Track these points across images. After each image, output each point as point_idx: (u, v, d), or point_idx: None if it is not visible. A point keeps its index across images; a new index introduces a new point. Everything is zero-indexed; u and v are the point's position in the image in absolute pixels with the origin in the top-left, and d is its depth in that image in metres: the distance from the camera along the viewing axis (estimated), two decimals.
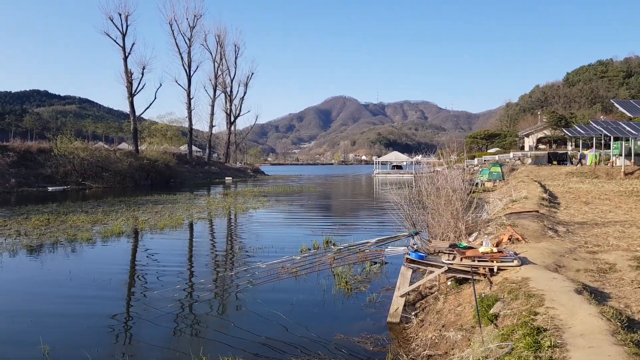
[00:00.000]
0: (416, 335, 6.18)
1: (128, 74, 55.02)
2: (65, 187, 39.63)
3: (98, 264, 11.34)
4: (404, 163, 73.58)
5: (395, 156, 79.19)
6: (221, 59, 73.85)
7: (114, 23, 54.75)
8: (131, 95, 55.20)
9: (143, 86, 58.50)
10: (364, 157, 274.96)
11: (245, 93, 79.39)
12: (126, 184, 44.32)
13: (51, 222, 17.54)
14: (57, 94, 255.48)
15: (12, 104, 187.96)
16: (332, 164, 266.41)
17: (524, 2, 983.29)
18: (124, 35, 54.76)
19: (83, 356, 5.74)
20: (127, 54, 54.71)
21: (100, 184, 42.24)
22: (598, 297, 5.23)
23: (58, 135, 47.01)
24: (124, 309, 7.92)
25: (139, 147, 57.00)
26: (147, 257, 12.26)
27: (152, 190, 38.16)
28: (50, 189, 37.55)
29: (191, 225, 17.79)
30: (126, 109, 57.92)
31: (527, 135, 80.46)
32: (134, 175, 46.22)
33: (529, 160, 54.40)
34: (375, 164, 79.81)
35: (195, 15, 65.87)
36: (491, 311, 5.32)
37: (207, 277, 9.82)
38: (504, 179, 35.37)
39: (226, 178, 60.63)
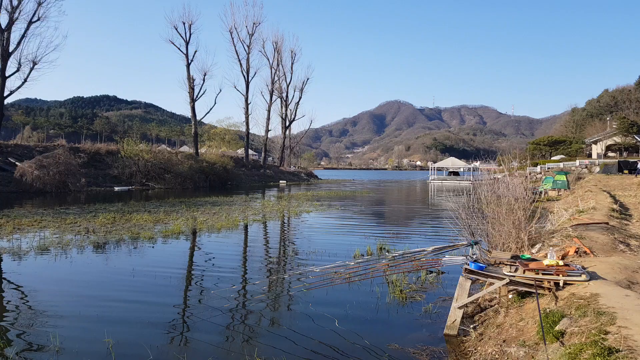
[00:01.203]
0: (475, 349, 5.95)
1: (190, 80, 57.22)
2: (130, 187, 41.75)
3: (159, 262, 11.76)
4: (461, 169, 71.71)
5: (451, 162, 77.32)
6: (278, 65, 75.46)
7: (178, 32, 57.41)
8: (193, 100, 57.32)
9: (204, 92, 60.78)
10: (418, 163, 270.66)
11: (300, 98, 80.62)
12: (186, 185, 46.02)
13: (117, 221, 18.47)
14: (124, 99, 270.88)
15: (84, 108, 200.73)
16: (385, 169, 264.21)
17: (593, 1, 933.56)
18: (187, 43, 57.16)
19: (143, 350, 5.97)
20: (189, 61, 57.03)
21: (162, 184, 44.12)
22: None
23: (125, 138, 49.67)
24: (182, 306, 8.16)
25: (199, 150, 59.05)
26: (205, 257, 12.60)
27: (210, 191, 39.35)
28: (116, 188, 39.66)
29: (246, 227, 18.15)
30: (188, 113, 60.24)
31: (595, 142, 76.12)
32: (193, 177, 47.91)
33: (597, 169, 51.45)
34: (431, 169, 78.32)
35: (254, 23, 67.78)
36: (557, 328, 5.03)
37: (262, 279, 9.95)
38: (569, 188, 33.61)
39: (280, 181, 61.58)
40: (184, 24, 56.99)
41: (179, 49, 57.22)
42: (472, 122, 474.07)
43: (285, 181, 62.25)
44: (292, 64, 78.58)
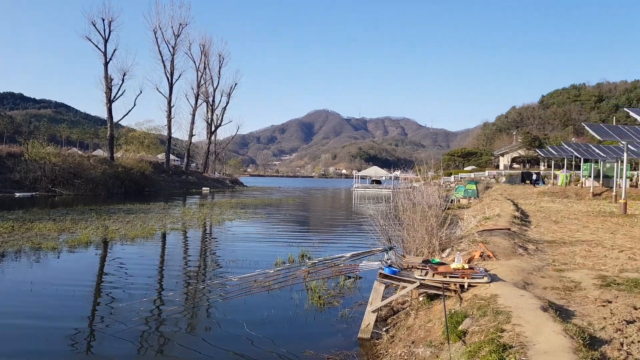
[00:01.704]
0: (386, 352, 6.18)
1: (108, 80, 54.40)
2: (34, 193, 38.56)
3: (62, 274, 10.98)
4: (383, 178, 74.15)
5: (374, 171, 79.74)
6: (205, 69, 73.68)
7: (96, 28, 54.27)
8: (110, 101, 54.46)
9: (123, 92, 57.64)
10: (344, 171, 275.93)
11: (227, 103, 79.08)
12: (99, 191, 43.43)
13: (15, 230, 16.90)
14: (32, 97, 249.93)
15: None
16: (312, 176, 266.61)
17: (502, 27, 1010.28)
18: (106, 41, 54.35)
19: None
20: (108, 60, 54.24)
21: (71, 191, 41.28)
22: (563, 314, 5.32)
23: (30, 139, 45.99)
24: (88, 322, 7.66)
25: (114, 154, 56.12)
26: (116, 268, 11.95)
27: (125, 199, 37.50)
28: (17, 194, 36.49)
29: (164, 236, 17.49)
30: (104, 115, 57.14)
31: (502, 155, 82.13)
32: (107, 183, 45.32)
33: (503, 179, 55.46)
34: (355, 178, 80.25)
35: (180, 24, 65.78)
36: (460, 327, 5.35)
37: (177, 290, 9.63)
38: (478, 196, 35.93)
39: (203, 188, 60.03)
40: (103, 20, 54.18)
41: (96, 46, 54.26)
42: (395, 133, 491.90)
43: (208, 188, 60.74)
44: (220, 68, 76.94)
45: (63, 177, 42.05)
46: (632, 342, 4.35)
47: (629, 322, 4.90)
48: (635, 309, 5.44)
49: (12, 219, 20.17)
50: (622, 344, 4.30)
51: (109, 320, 7.59)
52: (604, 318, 5.12)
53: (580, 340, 4.27)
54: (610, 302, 5.84)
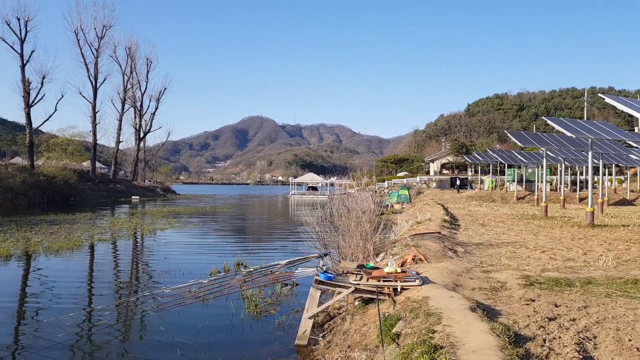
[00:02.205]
0: (323, 357, 6.20)
1: (25, 83, 51.10)
2: None
3: None
4: (320, 184, 74.83)
5: (310, 177, 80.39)
6: (131, 72, 70.97)
7: (11, 28, 50.76)
8: (28, 105, 51.12)
9: (42, 97, 54.15)
10: (280, 178, 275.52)
11: (156, 108, 76.61)
12: (18, 202, 40.53)
13: None
14: None
15: None
16: (248, 184, 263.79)
17: (429, 35, 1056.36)
18: (22, 42, 51.06)
19: None
20: (25, 62, 51.04)
21: None
22: (490, 314, 5.59)
23: None
24: (10, 339, 7.16)
25: (34, 162, 52.57)
26: (40, 281, 11.22)
27: (48, 209, 35.20)
28: None
29: (92, 247, 16.58)
30: (22, 120, 53.51)
31: (433, 161, 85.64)
32: (27, 193, 42.43)
33: (434, 184, 57.76)
34: (292, 185, 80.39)
35: (104, 26, 63.02)
36: (394, 330, 5.48)
37: (107, 303, 9.16)
38: (411, 201, 37.17)
39: (133, 197, 57.57)
40: (18, 19, 50.80)
41: (12, 47, 50.82)
42: (330, 140, 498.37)
43: (138, 197, 58.32)
44: (148, 72, 74.45)
45: None
46: (554, 338, 4.64)
47: (550, 319, 5.23)
48: (556, 306, 5.82)
49: None
50: (544, 340, 4.57)
51: (34, 338, 7.13)
52: (528, 316, 5.43)
53: (506, 338, 4.50)
54: (533, 300, 6.20)
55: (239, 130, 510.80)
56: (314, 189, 75.16)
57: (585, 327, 4.95)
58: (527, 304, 6.02)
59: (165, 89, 77.64)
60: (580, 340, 4.52)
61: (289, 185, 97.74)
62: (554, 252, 10.66)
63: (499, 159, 41.09)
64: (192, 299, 8.42)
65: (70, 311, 8.35)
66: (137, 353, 6.65)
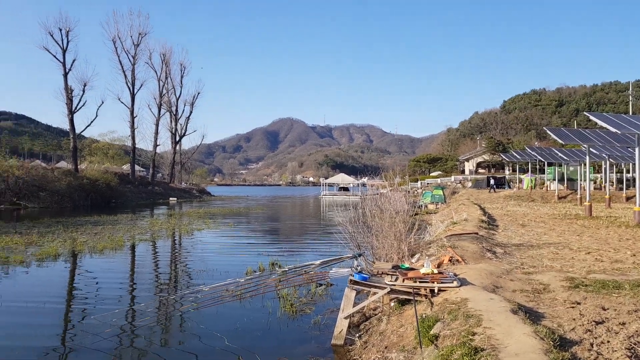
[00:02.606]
0: (359, 357, 6.18)
1: (68, 91, 53.07)
2: None
3: (32, 288, 10.71)
4: (351, 185, 74.59)
5: (342, 178, 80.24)
6: (166, 78, 72.70)
7: (54, 38, 52.87)
8: (71, 112, 53.11)
9: (84, 103, 56.28)
10: (311, 179, 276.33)
11: (191, 112, 78.23)
12: (64, 204, 42.24)
13: None
14: None
15: None
16: (279, 185, 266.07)
17: (462, 34, 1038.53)
18: (64, 51, 53.00)
19: None
20: (67, 70, 53.00)
21: (36, 203, 40.02)
22: (532, 316, 5.43)
23: None
24: (59, 334, 7.46)
25: (78, 166, 54.60)
26: (86, 280, 11.67)
27: (91, 210, 36.47)
28: None
29: (133, 247, 17.09)
30: (66, 126, 55.64)
31: (467, 160, 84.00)
32: (72, 195, 44.20)
33: (469, 184, 56.68)
34: (323, 185, 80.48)
35: (140, 34, 64.75)
36: (432, 332, 5.41)
37: (149, 301, 9.45)
38: (445, 201, 36.57)
39: (170, 199, 58.98)
40: (60, 30, 52.84)
41: (54, 56, 52.89)
42: (360, 140, 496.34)
43: (175, 198, 59.70)
44: (182, 77, 76.11)
45: (28, 190, 40.82)
46: (602, 342, 4.47)
47: (598, 323, 5.03)
48: (604, 309, 5.60)
49: None
50: (592, 345, 4.41)
51: (81, 334, 7.39)
52: (574, 319, 5.25)
53: (550, 342, 4.36)
54: (579, 303, 5.98)
55: (270, 132, 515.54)
56: (346, 189, 74.95)
57: (637, 331, 4.73)
58: (573, 307, 5.82)
59: (198, 93, 79.39)
60: (631, 345, 4.33)
61: (320, 186, 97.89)
62: (600, 254, 10.26)
63: (538, 157, 39.89)
64: (230, 297, 8.56)
65: (115, 308, 8.65)
66: (177, 347, 6.83)
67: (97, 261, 14.17)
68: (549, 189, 40.28)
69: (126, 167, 72.81)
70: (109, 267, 13.40)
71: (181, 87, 76.61)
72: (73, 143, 54.17)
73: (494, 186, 44.25)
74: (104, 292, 10.27)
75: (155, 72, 71.02)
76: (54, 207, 40.22)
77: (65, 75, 52.81)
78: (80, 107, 54.53)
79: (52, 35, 52.57)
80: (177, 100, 75.79)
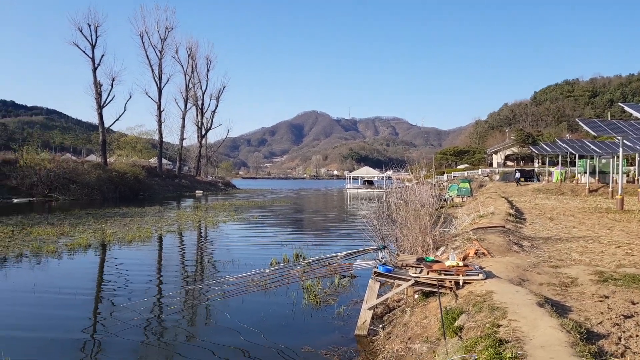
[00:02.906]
0: (383, 348, 6.20)
1: (97, 86, 54.17)
2: (31, 198, 38.53)
3: (63, 276, 11.07)
4: (375, 178, 74.31)
5: (366, 171, 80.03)
6: (192, 72, 73.53)
7: (83, 34, 54.02)
8: (100, 106, 54.28)
9: (112, 98, 57.42)
10: (335, 172, 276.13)
11: (217, 106, 79.08)
12: (94, 196, 43.37)
13: (15, 235, 16.98)
14: (23, 104, 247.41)
15: None
16: (304, 178, 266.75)
17: (492, 23, 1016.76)
18: (93, 47, 54.15)
19: None
20: (96, 65, 54.05)
21: (67, 196, 41.24)
22: (559, 310, 5.36)
23: (24, 146, 45.84)
24: (90, 322, 7.72)
25: (107, 159, 55.90)
26: (115, 270, 12.00)
27: (120, 203, 37.39)
28: (15, 200, 36.45)
29: (160, 238, 17.48)
30: (95, 120, 56.93)
31: (496, 152, 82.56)
32: (102, 188, 45.31)
33: (497, 177, 55.75)
34: (347, 178, 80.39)
35: (166, 28, 65.60)
36: (456, 323, 5.39)
37: (176, 290, 9.67)
38: (472, 194, 36.09)
39: (197, 191, 59.91)
40: (89, 25, 53.95)
41: (84, 52, 54.08)
42: (386, 133, 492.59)
43: (201, 191, 60.63)
44: (208, 71, 76.86)
45: (59, 183, 42.06)
46: (631, 336, 4.38)
47: (626, 317, 4.93)
48: (633, 303, 5.47)
49: (12, 224, 20.26)
50: (619, 338, 4.33)
51: (111, 321, 7.64)
52: (601, 313, 5.15)
53: (577, 335, 4.30)
54: (607, 297, 5.87)
55: (295, 126, 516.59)
56: (370, 182, 74.72)
57: None
58: (601, 301, 5.72)
59: (224, 87, 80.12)
60: None
61: (344, 179, 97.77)
62: (631, 248, 9.99)
63: (569, 149, 38.86)
64: (255, 287, 8.69)
65: (143, 297, 8.89)
66: (204, 336, 6.98)
67: (126, 252, 14.55)
68: (579, 182, 39.27)
69: (153, 161, 74.18)
70: (137, 257, 13.74)
71: (207, 81, 77.52)
72: (102, 137, 55.44)
73: (519, 179, 43.23)
74: (132, 281, 10.55)
75: (182, 66, 72.06)
76: (84, 199, 41.39)
77: (94, 70, 53.99)
78: (109, 102, 55.74)
79: (81, 31, 53.85)
80: (203, 94, 76.74)
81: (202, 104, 76.74)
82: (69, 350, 6.39)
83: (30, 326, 7.43)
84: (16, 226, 19.37)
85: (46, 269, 11.84)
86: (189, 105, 73.11)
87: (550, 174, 47.14)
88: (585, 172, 37.87)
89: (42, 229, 18.45)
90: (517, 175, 44.35)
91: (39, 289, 9.68)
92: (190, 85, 73.21)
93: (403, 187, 13.31)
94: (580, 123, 29.21)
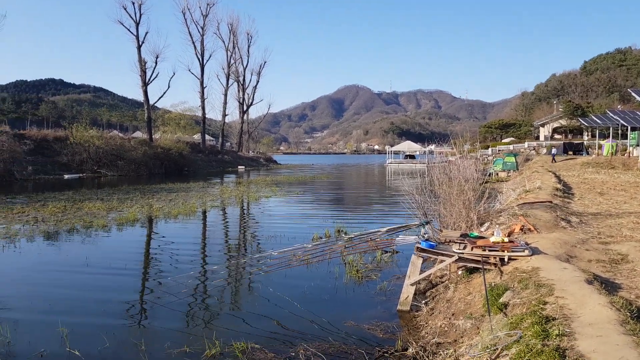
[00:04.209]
0: (426, 323, 6.24)
1: (142, 63, 55.34)
2: (81, 174, 40.29)
3: (113, 250, 11.58)
4: (417, 152, 73.19)
5: (408, 146, 78.86)
6: (234, 48, 74.02)
7: (127, 12, 55.22)
8: (145, 83, 55.56)
9: (157, 75, 58.93)
10: (376, 147, 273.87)
11: (258, 82, 79.57)
12: (140, 172, 44.86)
13: (67, 209, 17.87)
14: (72, 82, 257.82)
15: (28, 93, 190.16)
16: (344, 153, 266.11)
17: None
18: (137, 24, 55.07)
19: (100, 339, 5.91)
20: (140, 43, 55.05)
21: (115, 172, 42.83)
22: (609, 287, 5.22)
23: (73, 123, 47.68)
24: (139, 294, 8.11)
25: (153, 136, 57.47)
26: (161, 244, 12.46)
27: (165, 178, 38.57)
28: (66, 176, 38.17)
29: (204, 213, 17.99)
30: (140, 97, 58.41)
31: (543, 125, 79.33)
32: (148, 164, 46.76)
33: (544, 150, 53.75)
34: (388, 153, 79.56)
35: (208, 4, 66.00)
36: (501, 300, 5.35)
37: (220, 264, 9.97)
38: (518, 169, 35.04)
39: (239, 167, 60.99)
40: (133, 3, 54.86)
41: (128, 30, 55.20)
42: (428, 107, 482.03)
43: (243, 167, 61.68)
44: (249, 46, 77.27)
45: (107, 159, 43.68)
46: None
47: None
48: None
49: (64, 199, 21.32)
50: None
51: (159, 293, 8.00)
52: None
53: (627, 313, 4.19)
54: None
55: (335, 100, 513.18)
56: (412, 157, 73.64)
57: None
58: None
59: (265, 62, 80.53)
60: None
61: (385, 154, 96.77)
62: None
63: (621, 121, 36.84)
64: (298, 262, 8.87)
65: (189, 270, 9.22)
66: (248, 308, 7.21)
67: (172, 226, 15.06)
68: (631, 155, 37.27)
69: (197, 137, 75.80)
70: (182, 232, 14.20)
71: (248, 57, 77.97)
72: (147, 114, 56.94)
73: (554, 155, 40.57)
74: (178, 255, 10.92)
75: (223, 42, 72.80)
76: (131, 175, 42.89)
77: (139, 47, 55.02)
78: (153, 79, 56.96)
79: (125, 9, 55.22)
80: (245, 69, 77.32)
81: (244, 80, 77.47)
82: (118, 320, 6.75)
83: (83, 296, 7.85)
84: (68, 201, 20.36)
85: (97, 243, 12.41)
86: (230, 81, 73.99)
87: (600, 147, 45.00)
88: (638, 145, 35.92)
89: (93, 204, 19.32)
90: (554, 151, 42.23)
91: (91, 261, 10.19)
92: (232, 61, 73.91)
93: (446, 162, 13.08)
94: (633, 94, 27.62)
